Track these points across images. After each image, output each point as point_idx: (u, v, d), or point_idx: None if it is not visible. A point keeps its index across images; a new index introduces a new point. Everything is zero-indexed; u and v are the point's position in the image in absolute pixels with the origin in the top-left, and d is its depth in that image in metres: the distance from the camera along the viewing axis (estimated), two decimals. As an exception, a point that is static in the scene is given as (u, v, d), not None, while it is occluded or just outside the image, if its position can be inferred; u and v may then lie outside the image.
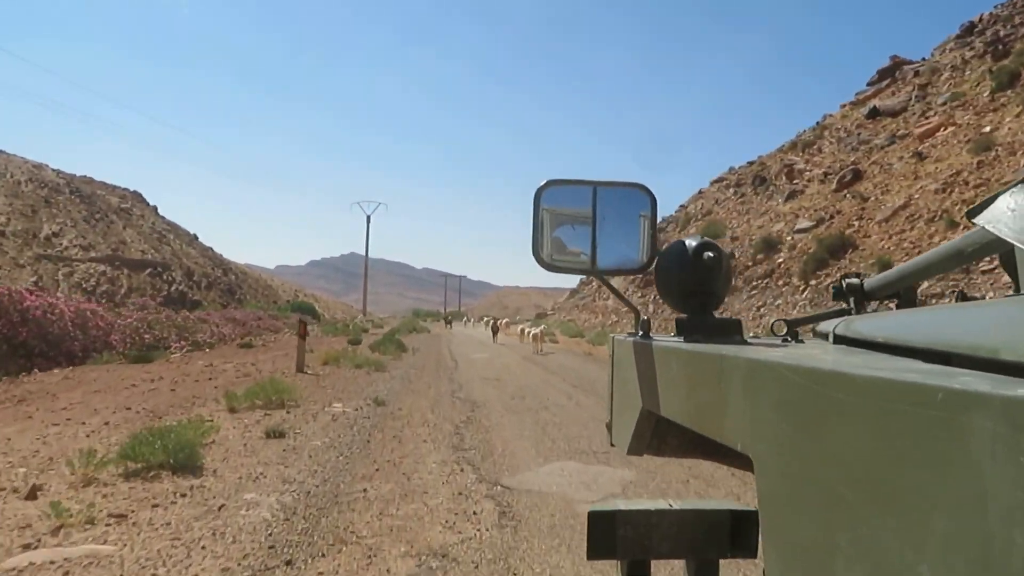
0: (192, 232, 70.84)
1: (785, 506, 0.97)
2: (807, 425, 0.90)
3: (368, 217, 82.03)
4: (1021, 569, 0.56)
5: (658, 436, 1.68)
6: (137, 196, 69.59)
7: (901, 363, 0.98)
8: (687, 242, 1.67)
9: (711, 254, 1.60)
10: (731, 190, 45.34)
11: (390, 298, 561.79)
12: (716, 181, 52.39)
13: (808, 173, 34.95)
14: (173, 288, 52.14)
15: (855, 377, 0.79)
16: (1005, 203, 1.02)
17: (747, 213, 36.23)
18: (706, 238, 1.66)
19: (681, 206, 55.55)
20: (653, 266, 1.72)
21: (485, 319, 59.82)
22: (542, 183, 1.74)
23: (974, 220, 1.09)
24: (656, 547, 1.69)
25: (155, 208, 69.60)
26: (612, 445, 1.90)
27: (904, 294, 1.88)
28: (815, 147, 38.98)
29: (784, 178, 36.46)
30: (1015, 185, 1.00)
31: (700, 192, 54.35)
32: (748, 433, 1.08)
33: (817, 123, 44.74)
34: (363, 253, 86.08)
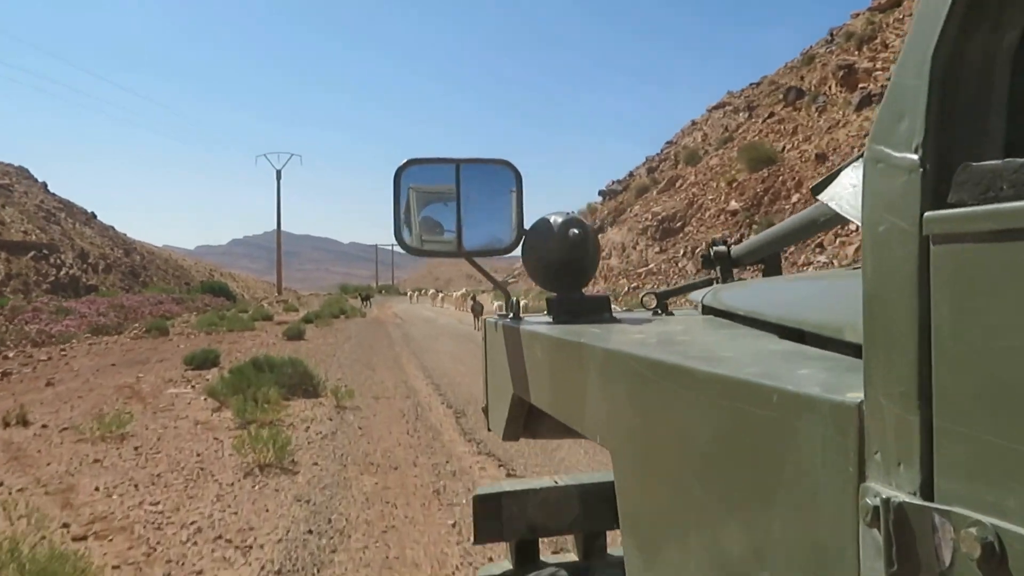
0: (89, 210, 64.78)
1: (639, 499, 0.99)
2: (657, 418, 0.91)
3: (278, 172, 73.10)
4: None
5: (532, 419, 1.65)
6: (23, 172, 62.66)
7: (756, 342, 1.01)
8: (552, 219, 1.67)
9: (576, 231, 1.61)
10: (743, 113, 41.12)
11: (318, 274, 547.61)
12: (716, 107, 48.35)
13: (879, 73, 28.64)
14: (63, 272, 46.41)
15: (697, 372, 0.80)
16: (847, 179, 1.01)
17: (793, 133, 30.50)
18: (572, 214, 1.70)
19: (668, 143, 51.78)
20: (520, 245, 1.71)
21: (437, 292, 53.25)
22: (402, 162, 1.70)
23: (817, 196, 1.11)
24: (543, 525, 1.81)
25: (44, 185, 62.72)
26: (489, 430, 1.84)
27: (769, 261, 1.91)
28: (877, 41, 32.39)
29: (841, 85, 30.41)
30: (856, 159, 0.97)
31: (693, 123, 50.39)
32: (605, 425, 1.08)
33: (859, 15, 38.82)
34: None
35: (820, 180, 1.11)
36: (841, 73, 30.65)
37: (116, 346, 18.99)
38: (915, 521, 0.51)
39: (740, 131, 37.71)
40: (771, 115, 35.02)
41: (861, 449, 0.56)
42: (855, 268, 1.16)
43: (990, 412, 0.46)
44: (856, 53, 32.40)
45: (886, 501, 0.52)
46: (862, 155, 0.90)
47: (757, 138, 32.74)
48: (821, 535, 0.60)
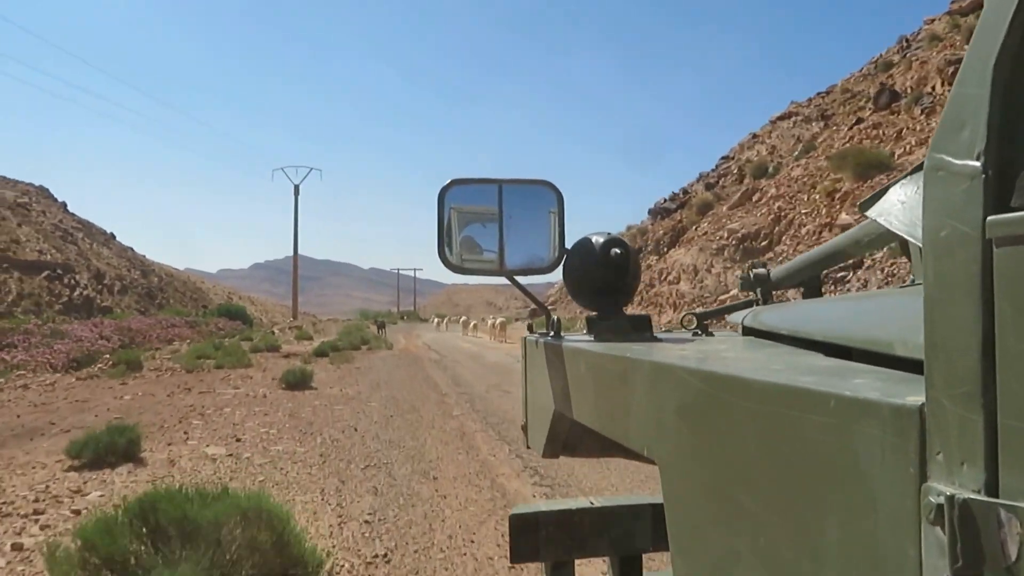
0: (108, 231, 62.39)
1: (689, 511, 0.97)
2: (707, 429, 0.90)
3: (296, 187, 69.01)
4: None
5: (573, 437, 1.64)
6: (43, 191, 60.35)
7: (803, 359, 1.00)
8: (594, 239, 1.68)
9: (618, 250, 1.62)
10: (816, 123, 37.22)
11: (337, 299, 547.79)
12: (782, 118, 43.97)
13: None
14: (76, 293, 43.96)
15: (751, 382, 0.79)
16: (896, 195, 1.02)
17: (899, 138, 27.03)
18: (612, 234, 1.70)
19: (725, 158, 47.17)
20: (562, 265, 1.72)
21: (466, 320, 46.09)
22: (446, 183, 1.70)
23: (866, 213, 1.11)
24: (579, 546, 1.78)
25: (64, 204, 60.25)
26: (528, 447, 1.85)
27: (808, 283, 1.90)
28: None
29: (949, 83, 26.95)
30: (905, 177, 1.00)
31: (754, 136, 45.97)
32: (652, 436, 1.07)
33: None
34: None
35: (867, 198, 1.11)
36: (951, 69, 26.94)
37: (49, 389, 13.55)
38: (980, 517, 0.51)
39: (822, 140, 34.09)
40: (859, 121, 31.23)
41: (922, 451, 0.56)
42: (901, 287, 1.23)
43: None
44: (965, 48, 28.41)
45: (950, 498, 0.52)
46: (910, 173, 0.97)
47: (848, 145, 29.09)
48: (881, 539, 0.59)
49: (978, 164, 0.54)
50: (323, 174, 75.25)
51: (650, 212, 46.33)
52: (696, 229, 35.04)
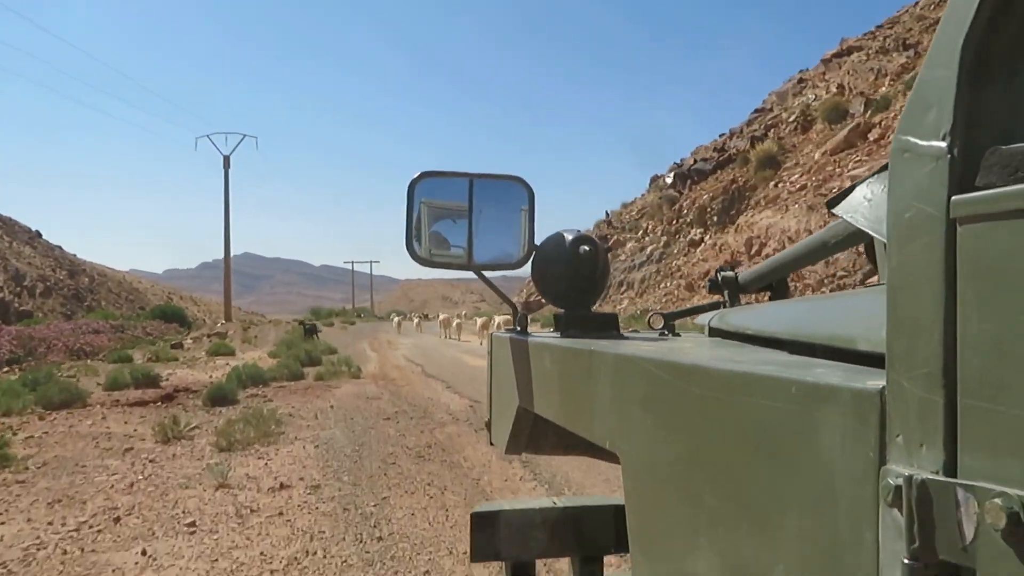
0: (33, 229, 57.14)
1: (649, 504, 0.96)
2: (670, 421, 0.89)
3: (226, 158, 57.33)
4: (873, 569, 0.55)
5: (536, 433, 1.63)
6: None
7: (767, 355, 0.98)
8: (563, 235, 1.64)
9: (587, 248, 1.58)
10: (898, 53, 29.48)
11: (289, 298, 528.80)
12: (840, 55, 35.30)
13: None
14: (-12, 296, 39.12)
15: (713, 370, 0.79)
16: (862, 193, 1.01)
17: None
18: (582, 232, 1.66)
19: (758, 110, 38.14)
20: (531, 261, 1.68)
21: (446, 318, 31.99)
22: (416, 175, 1.69)
23: (832, 211, 1.10)
24: (539, 547, 1.76)
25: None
26: (491, 444, 1.83)
27: (777, 286, 1.87)
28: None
29: None
30: (872, 176, 0.99)
31: (801, 80, 37.34)
32: (615, 430, 1.06)
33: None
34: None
35: (833, 196, 1.12)
36: None
37: None
38: (938, 497, 0.50)
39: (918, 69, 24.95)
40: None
41: (882, 434, 0.55)
42: (867, 287, 1.12)
43: (1016, 387, 0.46)
44: None
45: (908, 479, 0.51)
46: (877, 172, 0.96)
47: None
48: (839, 524, 0.59)
49: (944, 145, 0.53)
50: (268, 151, 63.69)
51: (675, 175, 36.23)
52: (777, 186, 25.22)
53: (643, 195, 42.21)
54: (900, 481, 0.52)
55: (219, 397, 10.57)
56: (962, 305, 0.51)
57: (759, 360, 0.88)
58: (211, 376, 14.78)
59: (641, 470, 0.97)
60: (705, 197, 29.72)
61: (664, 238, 31.62)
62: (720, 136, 40.02)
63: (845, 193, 1.08)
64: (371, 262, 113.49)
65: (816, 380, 0.62)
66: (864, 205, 0.99)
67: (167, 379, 14.37)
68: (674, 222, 31.50)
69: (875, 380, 0.58)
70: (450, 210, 1.73)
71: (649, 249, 31.63)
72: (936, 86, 0.55)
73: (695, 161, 35.70)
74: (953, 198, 0.52)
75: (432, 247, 1.73)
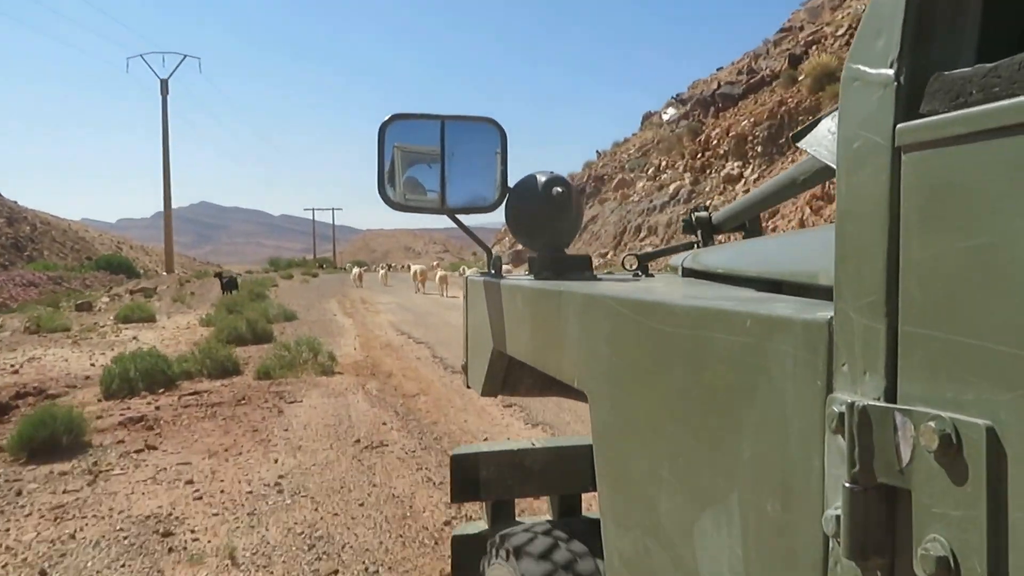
0: None
1: (615, 440, 0.97)
2: (633, 357, 0.91)
3: (163, 82, 50.41)
4: (819, 493, 0.57)
5: (512, 375, 1.63)
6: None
7: (731, 292, 1.00)
8: (536, 177, 1.64)
9: (560, 189, 1.59)
10: None
11: (248, 248, 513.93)
12: None
13: None
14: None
15: (674, 306, 0.81)
16: (826, 126, 1.01)
17: None
18: (555, 173, 1.65)
19: (784, 30, 32.87)
20: (504, 203, 1.67)
21: (420, 270, 26.78)
22: (387, 118, 1.67)
23: (797, 144, 1.11)
24: (519, 486, 1.83)
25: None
26: (468, 387, 1.83)
27: (750, 225, 1.85)
28: None
29: None
30: (834, 110, 0.95)
31: None
32: (583, 368, 1.07)
33: None
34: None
35: (799, 129, 1.10)
36: None
37: None
38: (877, 422, 0.51)
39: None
40: None
41: (830, 363, 0.57)
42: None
43: (954, 311, 0.47)
44: None
45: (851, 406, 0.52)
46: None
47: None
48: (790, 450, 0.60)
49: (891, 72, 0.53)
50: (201, 63, 56.14)
51: (644, 120, 30.80)
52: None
53: (637, 133, 37.02)
54: (843, 408, 0.53)
55: (45, 443, 5.12)
56: (905, 233, 0.51)
57: (719, 296, 0.88)
58: (95, 362, 9.34)
59: (607, 407, 0.98)
60: (745, 123, 24.38)
61: (688, 174, 26.34)
62: (744, 57, 34.63)
63: (811, 126, 1.08)
64: (333, 210, 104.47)
65: (770, 313, 0.64)
66: (828, 138, 0.98)
67: (20, 368, 8.90)
68: (699, 156, 26.20)
69: (827, 311, 0.59)
70: (423, 154, 1.69)
71: (672, 187, 26.31)
72: (885, 11, 0.54)
73: (718, 85, 30.24)
74: (898, 126, 0.51)
75: (407, 191, 1.70)
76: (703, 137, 26.96)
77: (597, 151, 40.31)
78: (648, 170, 30.20)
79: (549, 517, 1.87)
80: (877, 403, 0.52)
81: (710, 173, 25.27)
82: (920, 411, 0.48)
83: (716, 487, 0.71)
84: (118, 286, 29.25)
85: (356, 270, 33.28)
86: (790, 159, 20.32)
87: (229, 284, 21.77)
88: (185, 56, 52.11)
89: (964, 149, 0.46)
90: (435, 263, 58.50)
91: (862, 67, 0.56)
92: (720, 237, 1.91)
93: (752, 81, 27.85)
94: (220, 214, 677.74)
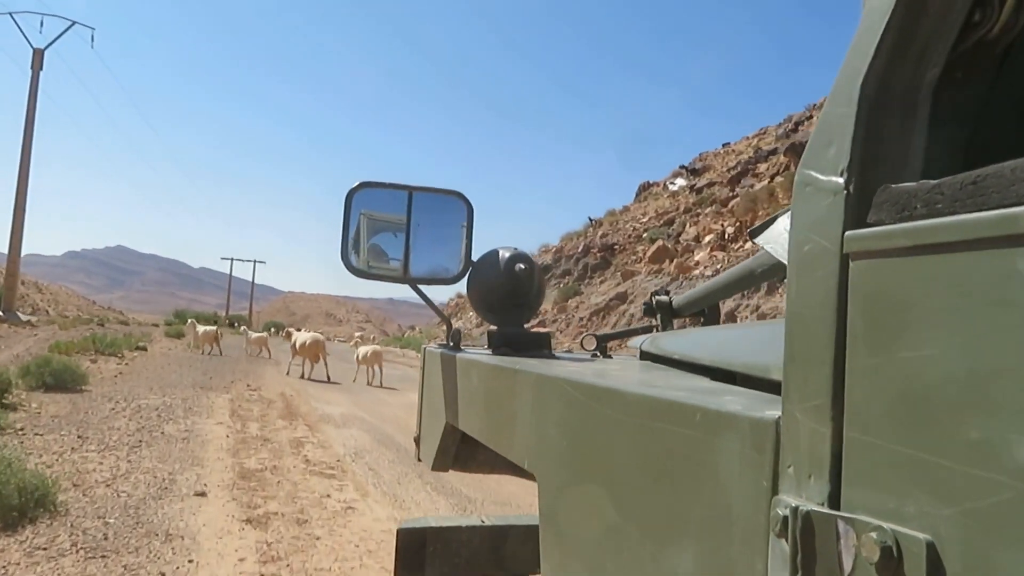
0: None
1: (561, 525, 0.95)
2: (583, 442, 0.89)
3: (39, 52, 36.00)
4: None
5: (465, 451, 1.58)
6: None
7: (686, 381, 0.99)
8: (500, 252, 1.64)
9: (523, 266, 1.59)
10: None
11: (161, 298, 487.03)
12: None
13: None
14: None
15: (626, 394, 0.79)
16: (783, 224, 1.01)
17: None
18: (518, 249, 1.66)
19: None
20: (466, 277, 1.67)
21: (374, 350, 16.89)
22: (355, 184, 1.65)
23: (754, 240, 1.11)
24: (466, 565, 1.70)
25: None
26: (419, 460, 1.79)
27: (709, 312, 1.84)
28: None
29: None
30: (790, 209, 1.03)
31: None
32: (532, 450, 1.05)
33: None
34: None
35: (757, 225, 1.10)
36: None
37: None
38: (820, 529, 0.51)
39: None
40: None
41: (776, 464, 0.56)
42: None
43: (896, 421, 0.47)
44: None
45: (795, 510, 0.52)
46: None
47: None
48: (734, 551, 0.59)
49: (841, 180, 0.54)
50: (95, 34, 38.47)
51: (640, 191, 25.44)
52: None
53: (649, 198, 31.83)
54: (787, 512, 0.52)
55: None
56: (851, 339, 0.51)
57: (672, 386, 0.87)
58: None
59: (555, 490, 0.96)
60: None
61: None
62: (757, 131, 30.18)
63: (768, 223, 1.08)
64: (255, 261, 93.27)
65: (719, 408, 0.63)
66: (783, 236, 0.98)
67: None
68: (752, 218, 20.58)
69: (775, 410, 0.58)
70: (389, 223, 1.69)
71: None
72: (837, 123, 0.55)
73: (755, 152, 25.16)
74: (847, 233, 0.52)
75: (370, 259, 1.70)
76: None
77: (589, 218, 36.79)
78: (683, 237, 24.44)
79: None
80: (821, 508, 0.51)
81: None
82: (862, 520, 0.47)
83: None
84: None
85: (252, 334, 24.20)
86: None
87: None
88: (74, 23, 36.81)
89: (908, 261, 0.47)
90: (357, 334, 51.08)
91: (814, 173, 0.56)
92: (677, 322, 1.90)
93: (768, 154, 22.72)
94: (136, 260, 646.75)
